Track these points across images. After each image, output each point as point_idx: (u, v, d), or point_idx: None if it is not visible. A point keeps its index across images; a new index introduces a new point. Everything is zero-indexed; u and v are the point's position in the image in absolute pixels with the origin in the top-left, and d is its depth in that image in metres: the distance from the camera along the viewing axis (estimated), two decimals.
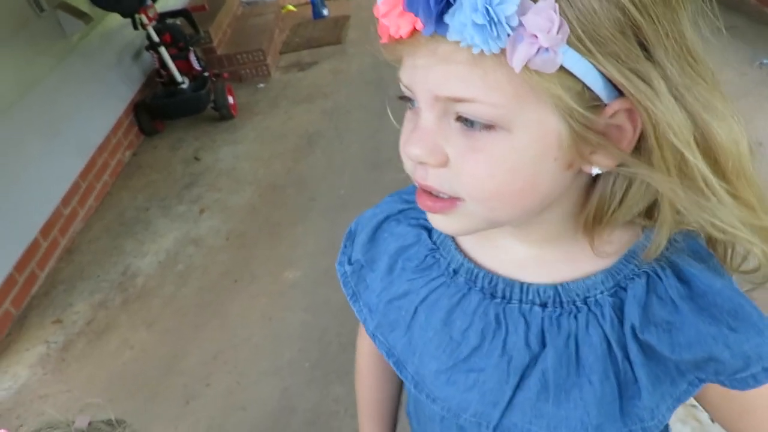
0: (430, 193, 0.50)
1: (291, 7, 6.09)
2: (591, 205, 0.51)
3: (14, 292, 2.67)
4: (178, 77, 3.93)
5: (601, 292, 0.54)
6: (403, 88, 0.49)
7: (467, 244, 0.62)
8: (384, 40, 0.46)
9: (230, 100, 4.10)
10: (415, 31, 0.42)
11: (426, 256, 0.64)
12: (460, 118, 0.45)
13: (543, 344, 0.56)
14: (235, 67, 4.70)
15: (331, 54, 4.91)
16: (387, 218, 0.69)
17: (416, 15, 0.41)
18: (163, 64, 3.91)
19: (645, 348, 0.53)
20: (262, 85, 4.62)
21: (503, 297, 0.58)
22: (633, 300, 0.52)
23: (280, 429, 1.97)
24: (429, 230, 0.65)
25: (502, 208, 0.49)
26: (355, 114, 3.82)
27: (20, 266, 2.73)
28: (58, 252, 3.01)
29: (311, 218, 2.93)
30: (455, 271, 0.61)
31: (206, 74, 4.13)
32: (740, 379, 0.52)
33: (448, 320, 0.60)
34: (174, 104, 3.99)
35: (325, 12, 5.74)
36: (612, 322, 0.53)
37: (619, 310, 0.53)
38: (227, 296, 2.57)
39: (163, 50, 3.80)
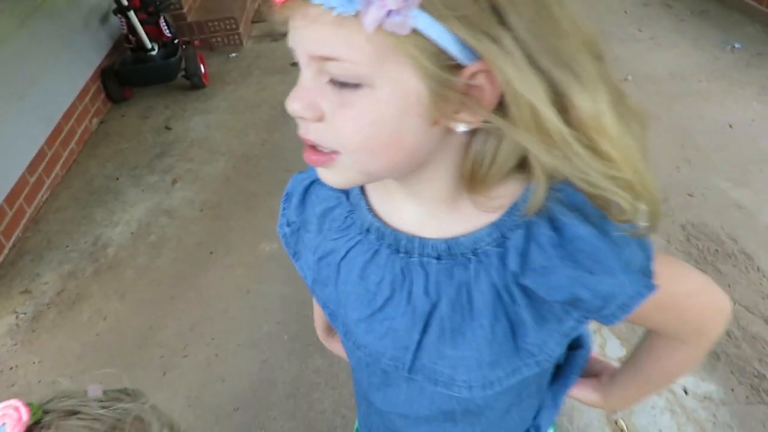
0: (314, 148, 0.54)
1: None
2: (467, 163, 0.55)
3: None
4: (148, 43, 3.82)
5: (488, 244, 0.59)
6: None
7: (377, 205, 0.66)
8: (276, 2, 0.49)
9: (201, 68, 4.00)
10: None
11: (345, 218, 0.69)
12: (334, 80, 0.49)
13: (439, 294, 0.62)
14: (206, 35, 4.59)
15: None
16: (312, 183, 0.74)
17: None
18: (131, 29, 3.78)
19: (527, 292, 0.59)
20: (234, 54, 4.52)
21: (406, 252, 0.63)
22: (513, 249, 0.57)
23: (261, 400, 1.97)
24: (347, 193, 0.69)
25: (372, 161, 0.53)
26: None
27: None
28: (24, 221, 2.92)
29: None
30: (368, 230, 0.66)
31: (176, 41, 4.02)
32: (605, 315, 0.58)
33: (364, 274, 0.67)
34: (143, 71, 3.88)
35: None
36: (498, 270, 0.59)
37: (503, 260, 0.58)
38: (202, 268, 2.54)
39: (131, 14, 3.67)
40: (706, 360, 1.84)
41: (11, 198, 2.84)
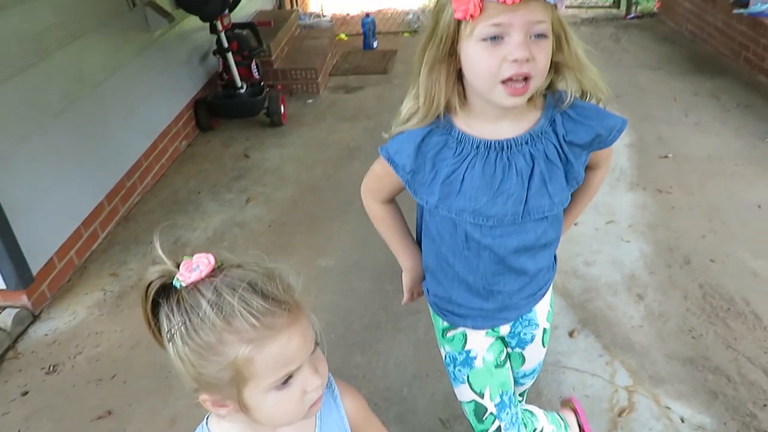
0: (516, 85, 1.03)
1: (344, 36, 6.54)
2: None
3: (79, 244, 3.01)
4: (238, 82, 4.34)
5: (546, 127, 1.14)
6: (493, 30, 0.99)
7: (475, 132, 1.15)
8: (503, 1, 0.97)
9: (282, 108, 4.48)
10: None
11: (457, 147, 1.15)
12: (535, 35, 1.00)
13: (533, 160, 1.14)
14: (288, 81, 5.11)
15: (376, 82, 5.31)
16: (423, 138, 1.16)
17: None
18: (226, 68, 4.32)
19: (570, 144, 1.15)
20: (310, 100, 5.01)
21: (507, 148, 1.14)
22: (559, 124, 1.14)
23: None
24: (450, 133, 1.16)
25: (543, 77, 1.07)
26: None
27: (86, 223, 3.08)
28: (117, 218, 3.36)
29: (347, 218, 3.25)
30: (477, 147, 1.14)
31: (263, 83, 4.54)
32: (608, 141, 1.18)
33: (484, 171, 1.14)
34: (231, 105, 4.39)
35: (375, 44, 6.18)
36: (554, 137, 1.14)
37: (555, 131, 1.14)
38: None
39: (229, 56, 4.22)
40: (704, 396, 2.05)
41: (110, 196, 3.29)
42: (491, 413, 1.40)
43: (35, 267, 2.65)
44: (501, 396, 1.39)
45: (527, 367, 1.54)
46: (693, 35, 5.73)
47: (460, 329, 1.39)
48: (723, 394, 2.07)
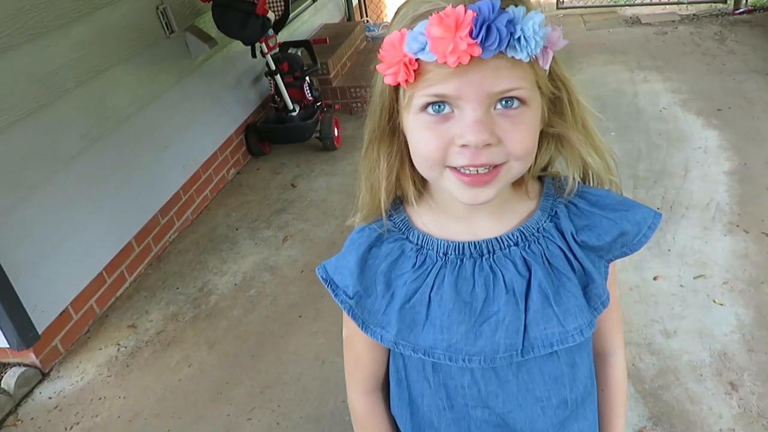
0: (476, 175, 0.69)
1: None
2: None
3: (101, 291, 2.84)
4: (290, 104, 4.08)
5: (545, 221, 0.80)
6: (435, 99, 0.67)
7: (442, 233, 0.82)
8: (444, 62, 0.63)
9: (335, 132, 4.19)
10: (471, 57, 0.62)
11: (417, 256, 0.82)
12: (501, 102, 0.67)
13: (528, 268, 0.78)
14: (348, 100, 4.82)
15: None
16: (369, 248, 0.84)
17: (496, 52, 0.63)
18: (278, 91, 4.07)
19: (582, 246, 0.79)
20: None
21: (489, 252, 0.79)
22: (564, 218, 0.80)
23: None
24: (406, 238, 0.83)
25: (527, 164, 0.73)
26: None
27: (110, 268, 2.90)
28: (148, 258, 3.18)
29: None
30: (445, 254, 0.81)
31: (318, 104, 4.26)
32: (637, 241, 0.81)
33: (457, 290, 0.79)
34: (282, 130, 4.14)
35: None
36: (559, 236, 0.79)
37: (558, 229, 0.80)
38: (289, 330, 2.59)
39: (278, 78, 3.96)
40: None
41: (140, 236, 3.12)
42: None
43: (43, 323, 2.49)
44: None
45: None
46: None
47: None
48: None
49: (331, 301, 2.70)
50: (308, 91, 4.22)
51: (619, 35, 5.77)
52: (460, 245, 0.80)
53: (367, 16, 6.85)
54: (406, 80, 0.67)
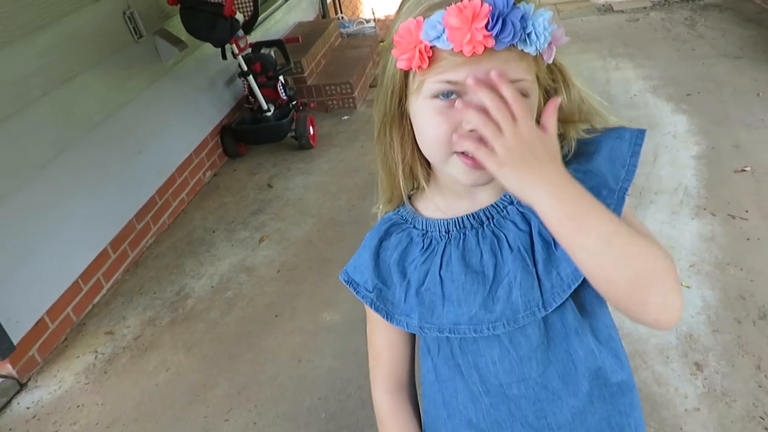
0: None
1: None
2: None
3: (77, 300, 2.84)
4: (264, 105, 4.08)
5: None
6: (445, 87, 0.71)
7: (453, 212, 0.85)
8: (459, 51, 0.67)
9: (311, 130, 4.19)
10: (485, 48, 0.66)
11: (423, 240, 0.85)
12: None
13: (528, 221, 0.80)
14: (323, 98, 4.82)
15: None
16: (380, 242, 0.88)
17: (509, 45, 0.67)
18: (251, 92, 4.07)
19: (585, 173, 0.79)
20: (346, 117, 4.70)
21: (488, 218, 0.82)
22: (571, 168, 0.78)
23: None
24: (413, 226, 0.87)
25: None
26: None
27: (86, 275, 2.90)
28: (125, 264, 3.18)
29: None
30: (447, 231, 0.84)
31: (292, 103, 4.27)
32: (632, 154, 0.83)
33: (465, 263, 0.82)
34: (257, 131, 4.15)
35: None
36: None
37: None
38: (265, 330, 2.60)
39: (251, 79, 3.96)
40: None
41: (116, 242, 3.12)
42: None
43: (19, 333, 2.49)
44: None
45: None
46: None
47: None
48: None
49: (307, 299, 2.73)
50: (282, 91, 4.23)
51: (592, 23, 5.81)
52: (460, 219, 0.84)
53: (341, 13, 6.84)
54: (419, 66, 0.70)
